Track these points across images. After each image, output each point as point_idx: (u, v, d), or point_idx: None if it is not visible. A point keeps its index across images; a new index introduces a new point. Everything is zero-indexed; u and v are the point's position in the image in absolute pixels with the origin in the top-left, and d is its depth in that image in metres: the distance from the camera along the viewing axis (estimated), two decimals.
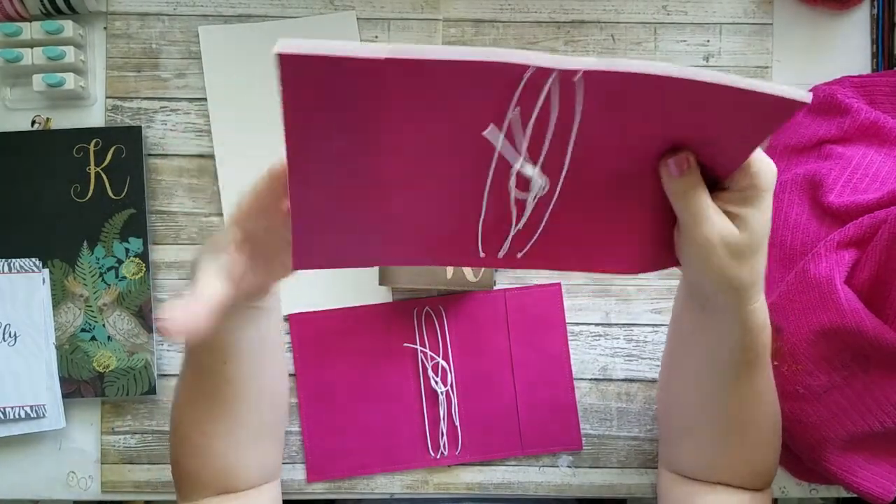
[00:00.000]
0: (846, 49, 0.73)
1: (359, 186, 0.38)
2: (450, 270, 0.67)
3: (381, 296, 0.71)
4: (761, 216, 0.41)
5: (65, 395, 0.69)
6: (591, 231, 0.43)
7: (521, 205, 0.40)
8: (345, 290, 0.71)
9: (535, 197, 0.39)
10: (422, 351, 0.70)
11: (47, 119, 0.71)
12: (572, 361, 0.71)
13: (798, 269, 0.62)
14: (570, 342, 0.71)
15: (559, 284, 0.71)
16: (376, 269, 0.68)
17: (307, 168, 0.36)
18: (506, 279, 0.71)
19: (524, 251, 0.43)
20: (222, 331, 0.48)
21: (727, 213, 0.41)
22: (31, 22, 0.68)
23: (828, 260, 0.60)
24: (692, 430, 0.55)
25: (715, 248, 0.41)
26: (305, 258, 0.43)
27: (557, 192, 0.40)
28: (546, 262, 0.45)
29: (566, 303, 0.71)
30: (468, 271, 0.68)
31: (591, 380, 0.71)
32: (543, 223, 0.42)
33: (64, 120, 0.71)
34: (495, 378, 0.71)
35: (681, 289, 0.51)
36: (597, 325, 0.72)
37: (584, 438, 0.71)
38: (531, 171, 0.38)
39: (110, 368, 0.69)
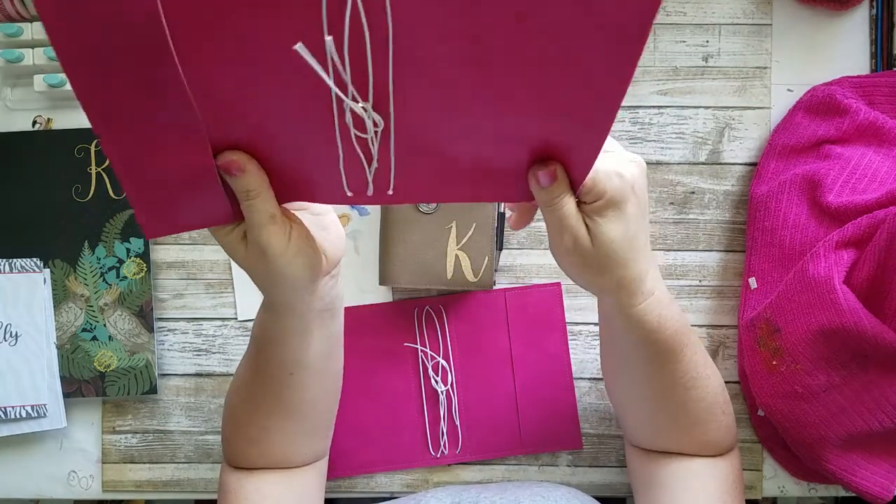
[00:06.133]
0: (845, 49, 0.73)
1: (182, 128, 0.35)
2: (450, 270, 0.68)
3: (382, 295, 0.72)
4: (613, 227, 0.42)
5: (66, 395, 0.69)
6: (454, 164, 0.40)
7: (364, 144, 0.37)
8: (345, 290, 0.71)
9: (373, 136, 0.36)
10: (422, 350, 0.71)
11: (48, 119, 0.71)
12: (571, 361, 0.71)
13: (797, 269, 0.62)
14: (569, 342, 0.71)
15: (559, 284, 0.71)
16: (376, 269, 0.68)
17: (107, 113, 0.33)
18: (506, 279, 0.72)
19: (391, 189, 0.41)
20: (292, 345, 0.49)
21: (587, 224, 0.42)
22: (32, 22, 0.68)
23: (826, 260, 0.60)
24: (629, 412, 0.58)
25: (567, 256, 0.43)
26: (153, 224, 0.40)
27: (393, 128, 0.36)
28: (423, 195, 0.42)
29: (565, 303, 0.71)
30: (468, 271, 0.68)
31: (590, 379, 0.72)
32: (393, 161, 0.38)
33: (65, 120, 0.71)
34: (495, 377, 0.71)
35: None
36: (596, 324, 0.72)
37: (583, 438, 0.71)
38: (359, 107, 0.35)
39: (111, 368, 0.69)
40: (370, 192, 0.41)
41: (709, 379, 0.53)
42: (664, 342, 0.48)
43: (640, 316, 0.46)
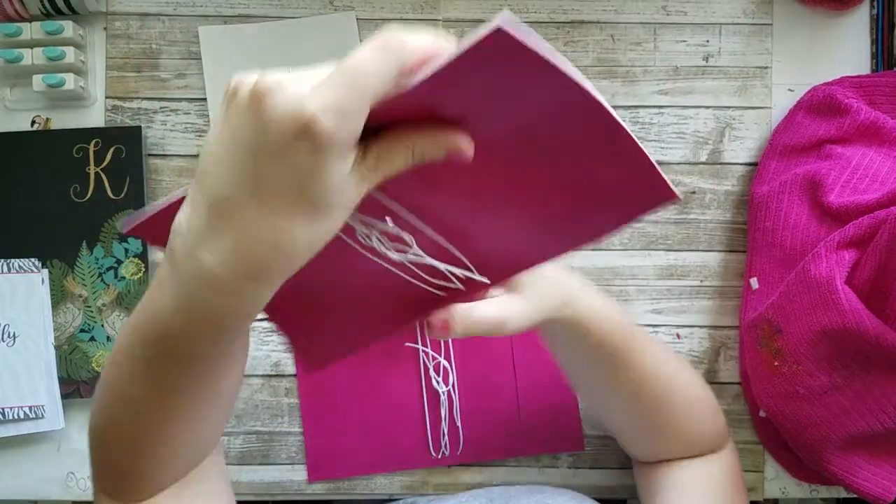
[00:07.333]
0: (846, 49, 0.73)
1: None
2: None
3: None
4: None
5: (64, 396, 0.69)
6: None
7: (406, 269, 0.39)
8: None
9: (415, 249, 0.38)
10: (423, 351, 0.70)
11: (47, 119, 0.71)
12: None
13: (798, 270, 0.62)
14: None
15: None
16: None
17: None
18: None
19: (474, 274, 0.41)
20: (234, 342, 0.38)
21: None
22: (31, 22, 0.68)
23: (828, 260, 0.60)
24: (617, 429, 0.59)
25: (522, 328, 0.44)
26: (316, 361, 0.45)
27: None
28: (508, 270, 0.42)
29: None
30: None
31: None
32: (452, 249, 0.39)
33: (64, 120, 0.71)
34: (497, 378, 0.70)
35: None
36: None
37: (584, 439, 0.71)
38: (392, 229, 0.36)
39: None
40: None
41: (675, 376, 0.54)
42: (611, 346, 0.49)
43: (586, 324, 0.48)
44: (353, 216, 0.34)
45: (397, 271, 0.38)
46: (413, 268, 0.38)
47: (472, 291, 0.41)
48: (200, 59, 0.71)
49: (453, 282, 0.40)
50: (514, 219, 0.37)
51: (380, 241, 0.36)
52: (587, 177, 0.34)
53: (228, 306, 0.31)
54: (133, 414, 0.38)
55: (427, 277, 0.39)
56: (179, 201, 0.33)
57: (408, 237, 0.36)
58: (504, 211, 0.36)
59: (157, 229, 0.35)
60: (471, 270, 0.39)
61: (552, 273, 0.46)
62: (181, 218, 0.31)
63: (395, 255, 0.37)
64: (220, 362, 0.37)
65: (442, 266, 0.38)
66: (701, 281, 0.72)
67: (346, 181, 0.29)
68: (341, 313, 0.43)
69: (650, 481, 0.58)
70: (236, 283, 0.30)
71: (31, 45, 0.68)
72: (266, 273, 0.30)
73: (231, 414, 0.45)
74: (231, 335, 0.34)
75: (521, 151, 0.32)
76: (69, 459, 0.70)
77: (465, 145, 0.30)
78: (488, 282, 0.40)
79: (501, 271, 0.40)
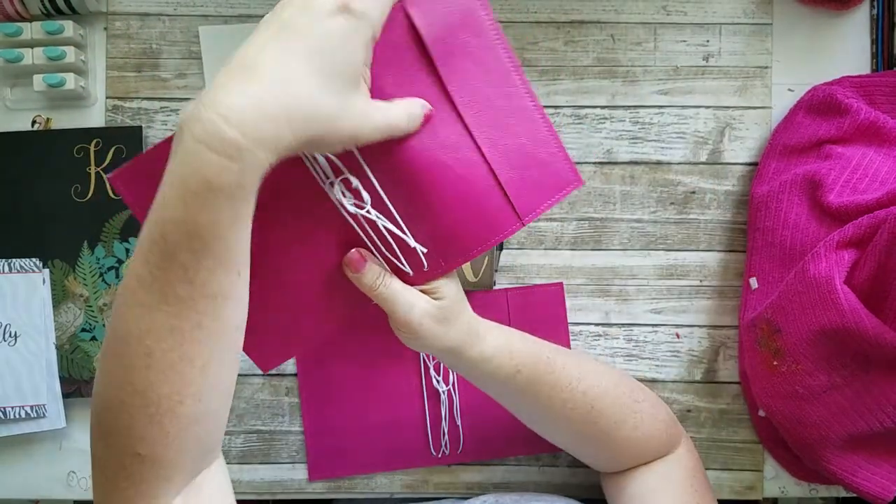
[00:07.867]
0: (846, 49, 0.73)
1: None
2: None
3: None
4: (451, 282, 0.47)
5: (65, 395, 0.69)
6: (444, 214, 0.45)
7: (370, 222, 0.43)
8: None
9: (369, 207, 0.42)
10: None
11: (48, 119, 0.71)
12: None
13: (798, 269, 0.62)
14: (570, 342, 0.71)
15: (561, 284, 0.71)
16: None
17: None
18: (506, 279, 0.72)
19: (428, 250, 0.45)
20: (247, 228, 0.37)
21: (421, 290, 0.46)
22: (31, 22, 0.68)
23: (827, 260, 0.60)
24: (564, 447, 0.60)
25: (421, 325, 0.46)
26: (266, 360, 0.48)
27: (384, 194, 0.43)
28: (460, 255, 0.46)
29: (566, 303, 0.71)
30: (468, 271, 0.68)
31: None
32: (402, 222, 0.44)
33: (64, 120, 0.71)
34: None
35: None
36: (596, 324, 0.72)
37: None
38: (353, 181, 0.42)
39: None
40: (425, 266, 0.46)
41: (600, 388, 0.55)
42: (527, 373, 0.51)
43: (479, 359, 0.50)
44: (324, 163, 0.42)
45: (356, 228, 0.44)
46: (361, 235, 0.44)
47: (412, 280, 0.46)
48: (201, 58, 0.71)
49: (397, 255, 0.45)
50: (461, 185, 0.43)
51: (342, 191, 0.42)
52: (515, 142, 0.44)
53: (229, 169, 0.34)
54: (161, 354, 0.36)
55: (373, 250, 0.45)
56: (160, 146, 0.39)
57: (366, 195, 0.42)
58: (449, 183, 0.43)
59: (141, 181, 0.40)
60: (412, 240, 0.44)
61: (469, 310, 0.50)
62: (188, 107, 0.35)
63: (351, 208, 0.42)
64: (231, 264, 0.36)
65: (385, 230, 0.43)
66: (700, 281, 0.72)
67: (362, 75, 0.38)
68: (288, 310, 0.45)
69: (615, 491, 0.59)
70: (242, 142, 0.33)
71: (31, 44, 0.68)
72: (269, 135, 0.34)
73: (233, 385, 0.41)
74: (233, 212, 0.35)
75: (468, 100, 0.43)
76: (71, 458, 0.71)
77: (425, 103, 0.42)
78: (425, 263, 0.45)
79: (440, 259, 0.46)
